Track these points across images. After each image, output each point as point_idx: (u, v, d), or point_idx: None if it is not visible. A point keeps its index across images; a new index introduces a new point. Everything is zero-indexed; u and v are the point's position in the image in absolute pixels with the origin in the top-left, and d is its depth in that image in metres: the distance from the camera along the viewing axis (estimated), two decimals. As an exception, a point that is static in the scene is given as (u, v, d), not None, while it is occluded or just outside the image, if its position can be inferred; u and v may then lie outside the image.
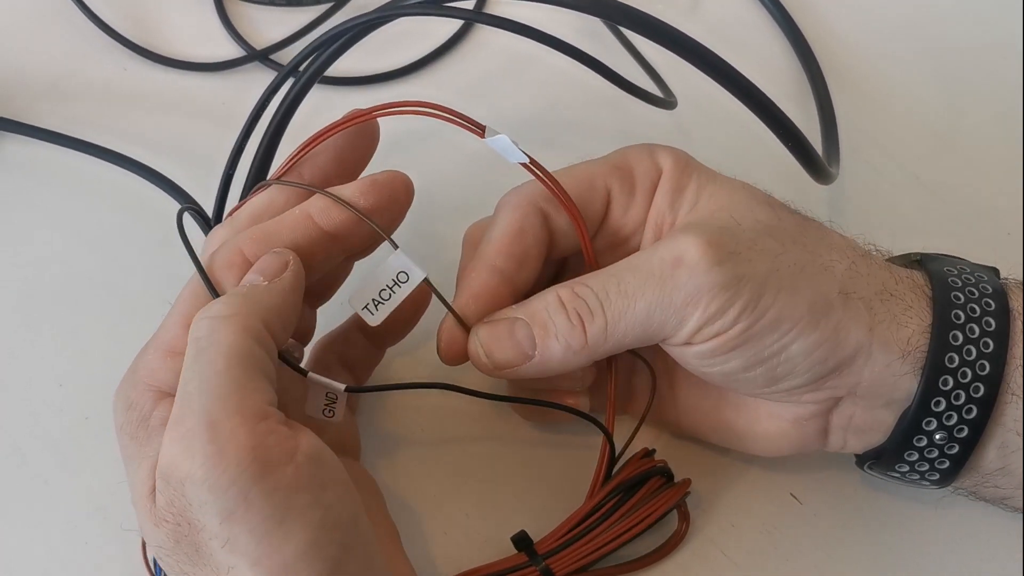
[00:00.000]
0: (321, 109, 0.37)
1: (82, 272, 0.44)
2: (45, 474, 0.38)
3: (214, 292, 0.32)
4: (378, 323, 0.33)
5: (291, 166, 0.35)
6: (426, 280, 0.33)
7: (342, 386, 0.32)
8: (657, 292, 0.32)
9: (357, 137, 0.35)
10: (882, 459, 0.34)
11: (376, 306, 0.33)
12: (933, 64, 0.51)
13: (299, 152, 0.35)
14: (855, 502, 0.38)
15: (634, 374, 0.38)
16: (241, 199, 0.37)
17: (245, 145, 0.38)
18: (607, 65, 0.39)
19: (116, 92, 0.49)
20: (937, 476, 0.34)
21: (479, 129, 0.33)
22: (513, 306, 0.34)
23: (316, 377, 0.32)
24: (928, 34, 0.52)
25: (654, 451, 0.37)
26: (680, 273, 0.31)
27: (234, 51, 0.50)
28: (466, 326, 0.34)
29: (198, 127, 0.48)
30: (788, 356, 0.32)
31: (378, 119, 0.35)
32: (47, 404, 0.40)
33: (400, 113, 0.33)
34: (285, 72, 0.37)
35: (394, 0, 0.35)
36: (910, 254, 0.36)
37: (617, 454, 0.36)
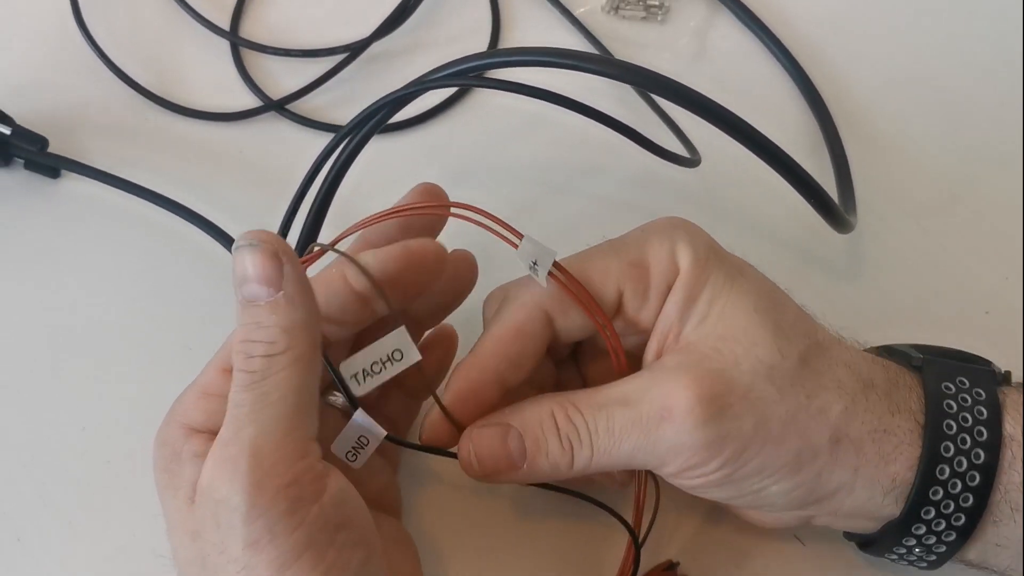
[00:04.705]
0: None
1: (105, 315, 0.44)
2: (68, 515, 0.39)
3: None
4: (361, 395, 0.33)
5: (353, 232, 0.35)
6: (417, 365, 0.33)
7: (383, 433, 0.32)
8: (642, 439, 0.32)
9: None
10: (868, 550, 0.36)
11: (364, 377, 0.32)
12: (946, 116, 0.51)
13: (365, 222, 0.35)
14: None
15: None
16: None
17: (299, 206, 0.40)
18: (635, 129, 0.39)
19: (138, 140, 0.50)
20: (925, 565, 0.35)
21: (516, 238, 0.33)
22: (507, 410, 0.34)
23: (363, 416, 0.32)
24: (940, 86, 0.52)
25: (678, 564, 0.37)
26: (666, 427, 0.32)
27: (251, 101, 0.52)
28: (454, 421, 0.34)
29: (217, 174, 0.49)
30: (768, 494, 0.33)
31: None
32: (71, 447, 0.41)
33: (447, 215, 0.35)
34: (341, 135, 0.39)
35: (440, 68, 0.37)
36: (911, 356, 0.36)
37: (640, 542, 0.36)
